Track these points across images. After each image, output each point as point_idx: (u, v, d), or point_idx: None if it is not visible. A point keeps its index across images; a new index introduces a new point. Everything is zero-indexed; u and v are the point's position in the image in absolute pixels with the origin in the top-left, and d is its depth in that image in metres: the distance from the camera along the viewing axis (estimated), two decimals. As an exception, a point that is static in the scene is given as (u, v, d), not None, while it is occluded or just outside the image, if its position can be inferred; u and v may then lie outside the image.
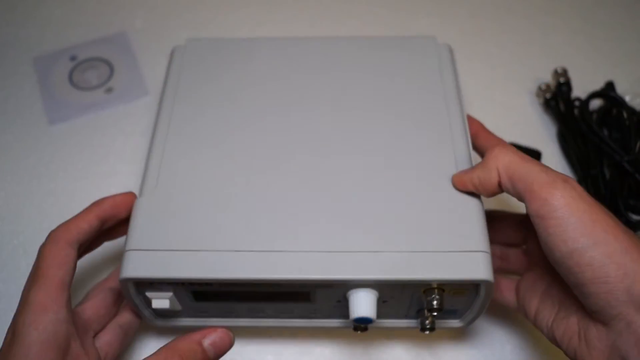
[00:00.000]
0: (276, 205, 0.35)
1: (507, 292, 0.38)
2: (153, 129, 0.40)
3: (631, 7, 0.63)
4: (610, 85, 0.53)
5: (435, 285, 0.33)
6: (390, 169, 0.37)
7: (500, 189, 0.33)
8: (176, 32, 0.60)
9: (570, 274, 0.30)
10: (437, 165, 0.37)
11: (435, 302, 0.33)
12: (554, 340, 0.33)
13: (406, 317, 0.38)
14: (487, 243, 0.33)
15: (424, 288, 0.34)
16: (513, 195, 0.33)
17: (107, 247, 0.40)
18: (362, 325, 0.36)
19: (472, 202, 0.35)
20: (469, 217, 0.34)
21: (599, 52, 0.59)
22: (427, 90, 0.41)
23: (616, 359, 0.29)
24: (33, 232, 0.47)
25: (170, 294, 0.35)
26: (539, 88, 0.54)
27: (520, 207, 0.36)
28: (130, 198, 0.37)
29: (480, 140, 0.40)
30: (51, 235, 0.34)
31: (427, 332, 0.36)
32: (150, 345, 0.41)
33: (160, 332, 0.42)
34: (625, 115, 0.48)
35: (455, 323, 0.38)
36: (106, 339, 0.36)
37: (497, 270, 0.39)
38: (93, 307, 0.36)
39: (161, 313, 0.38)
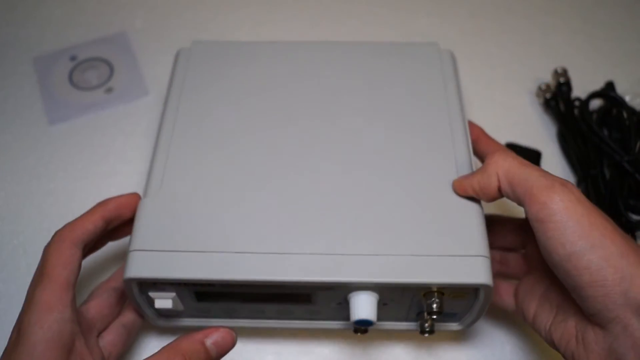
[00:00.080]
0: (279, 207, 0.36)
1: (506, 295, 0.38)
2: (158, 130, 0.41)
3: (631, 7, 0.63)
4: (610, 85, 0.53)
5: (435, 289, 0.34)
6: (392, 174, 0.37)
7: (500, 194, 0.34)
8: (176, 32, 0.60)
9: (568, 277, 0.30)
10: (438, 170, 0.37)
11: (435, 306, 0.33)
12: (552, 343, 0.33)
13: (406, 319, 0.38)
14: (486, 248, 0.34)
15: (424, 291, 0.34)
16: (513, 199, 0.33)
17: (111, 246, 0.40)
18: (362, 327, 0.36)
19: (472, 207, 0.35)
20: (469, 222, 0.35)
21: (599, 52, 0.59)
22: (429, 96, 0.42)
23: (613, 362, 0.29)
24: (33, 232, 0.47)
25: (173, 294, 0.35)
26: (539, 88, 0.54)
27: (519, 212, 0.37)
28: (134, 199, 0.37)
29: (481, 146, 0.40)
30: (56, 235, 0.34)
31: (427, 335, 0.36)
32: (152, 344, 0.41)
33: (162, 331, 0.42)
34: (625, 115, 0.48)
35: (454, 326, 0.38)
36: (110, 339, 0.36)
37: (497, 274, 0.39)
38: (97, 307, 0.36)
39: (163, 313, 0.38)
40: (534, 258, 0.38)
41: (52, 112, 0.54)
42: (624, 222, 0.44)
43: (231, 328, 0.34)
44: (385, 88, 0.42)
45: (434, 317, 0.34)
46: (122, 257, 0.44)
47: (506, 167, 0.33)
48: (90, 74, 0.57)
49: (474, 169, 0.37)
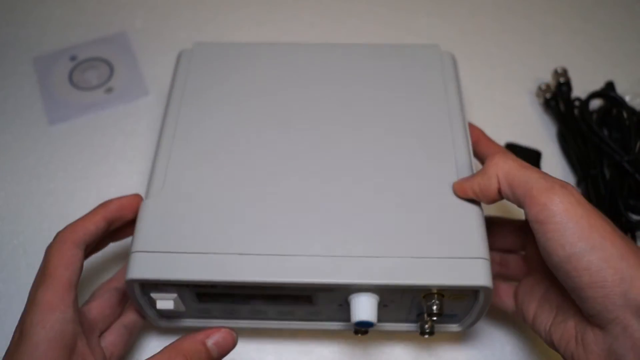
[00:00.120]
0: (281, 209, 0.36)
1: (506, 297, 0.38)
2: (159, 131, 0.41)
3: (631, 7, 0.63)
4: (610, 85, 0.53)
5: (435, 291, 0.34)
6: (392, 176, 0.37)
7: (500, 195, 0.34)
8: (176, 32, 0.60)
9: (568, 278, 0.30)
10: (439, 172, 0.37)
11: (435, 307, 0.34)
12: (552, 344, 0.34)
13: (406, 321, 0.38)
14: (486, 250, 0.34)
15: (424, 293, 0.34)
16: (512, 201, 0.33)
17: (112, 247, 0.40)
18: (362, 328, 0.36)
19: (472, 209, 0.35)
20: (469, 224, 0.35)
21: (599, 52, 0.59)
22: (430, 99, 0.42)
23: (612, 363, 0.29)
24: (33, 232, 0.47)
25: (174, 295, 0.35)
26: (539, 88, 0.54)
27: (519, 214, 0.37)
28: (136, 200, 0.37)
29: (481, 148, 0.40)
30: (58, 236, 0.34)
31: (427, 336, 0.36)
32: (153, 345, 0.42)
33: (163, 332, 0.42)
34: (625, 115, 0.48)
35: (454, 327, 0.38)
36: (111, 339, 0.36)
37: (497, 275, 0.39)
38: (98, 307, 0.36)
39: (165, 314, 0.38)
40: (534, 259, 0.38)
41: (52, 112, 0.54)
42: (624, 222, 0.44)
43: (232, 328, 0.35)
44: (386, 90, 0.42)
45: (434, 318, 0.34)
46: (123, 257, 0.44)
47: (506, 169, 0.33)
48: (90, 74, 0.57)
49: (474, 171, 0.37)
